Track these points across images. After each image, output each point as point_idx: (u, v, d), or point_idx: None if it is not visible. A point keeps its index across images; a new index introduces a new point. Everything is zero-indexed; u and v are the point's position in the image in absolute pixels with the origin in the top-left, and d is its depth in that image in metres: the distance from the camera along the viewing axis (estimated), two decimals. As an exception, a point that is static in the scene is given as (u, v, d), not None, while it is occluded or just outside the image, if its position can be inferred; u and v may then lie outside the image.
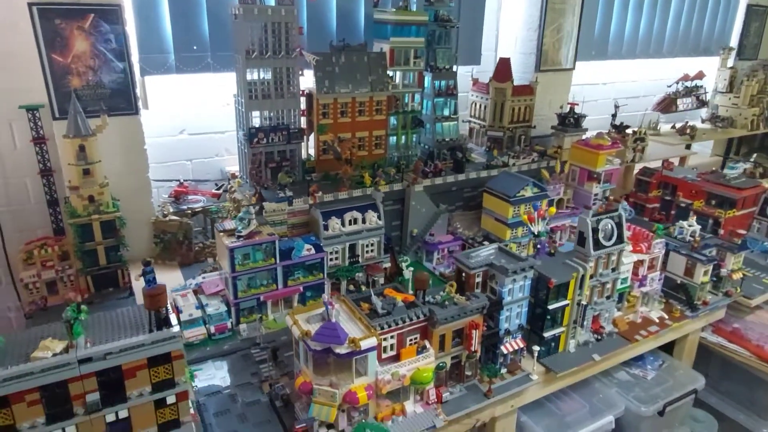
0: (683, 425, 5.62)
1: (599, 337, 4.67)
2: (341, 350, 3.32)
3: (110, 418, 2.60)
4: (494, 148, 7.06)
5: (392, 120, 6.33)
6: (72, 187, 5.04)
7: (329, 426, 3.59)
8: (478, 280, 4.08)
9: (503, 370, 4.19)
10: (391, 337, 3.66)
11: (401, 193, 5.95)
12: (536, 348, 4.16)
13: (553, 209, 4.88)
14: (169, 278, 5.43)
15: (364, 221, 5.19)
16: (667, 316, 5.13)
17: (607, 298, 4.71)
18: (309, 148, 6.20)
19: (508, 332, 4.12)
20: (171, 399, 2.73)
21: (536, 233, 4.46)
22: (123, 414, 2.64)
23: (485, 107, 7.39)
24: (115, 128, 5.37)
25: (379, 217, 5.27)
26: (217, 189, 6.32)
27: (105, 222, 5.13)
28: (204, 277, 5.06)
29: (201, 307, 4.64)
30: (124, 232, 5.27)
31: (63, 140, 4.96)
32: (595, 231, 4.37)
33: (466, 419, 3.98)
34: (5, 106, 5.30)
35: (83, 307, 2.76)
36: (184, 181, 6.28)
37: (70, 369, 2.44)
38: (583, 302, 4.40)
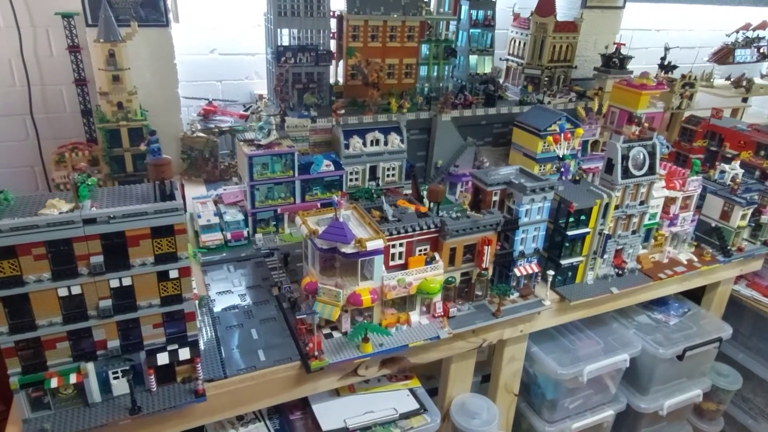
0: (704, 376, 5.44)
1: (620, 272, 4.51)
2: (347, 249, 3.31)
3: (114, 284, 2.66)
4: (530, 85, 6.77)
5: (424, 49, 6.13)
6: (102, 93, 5.12)
7: (333, 327, 3.62)
8: (495, 198, 3.96)
9: (515, 294, 4.10)
10: (400, 244, 3.61)
11: (427, 122, 5.81)
12: (551, 273, 4.05)
13: (580, 130, 4.65)
14: (195, 193, 5.52)
15: (386, 143, 5.10)
16: (696, 259, 4.89)
17: (633, 233, 4.51)
18: (338, 75, 6.10)
19: (522, 255, 4.01)
20: (174, 273, 2.78)
21: (561, 156, 4.27)
22: (127, 281, 2.69)
23: (524, 44, 7.07)
24: (145, 40, 5.39)
25: (402, 141, 5.17)
26: (245, 110, 6.32)
27: (133, 129, 5.21)
28: (225, 189, 5.12)
29: (219, 215, 4.69)
30: (152, 145, 5.34)
31: (93, 45, 5.01)
32: (625, 158, 4.15)
33: (472, 336, 3.94)
34: (42, 12, 5.40)
35: (93, 178, 2.82)
36: (213, 100, 6.30)
37: (74, 227, 2.49)
38: (606, 232, 4.22)
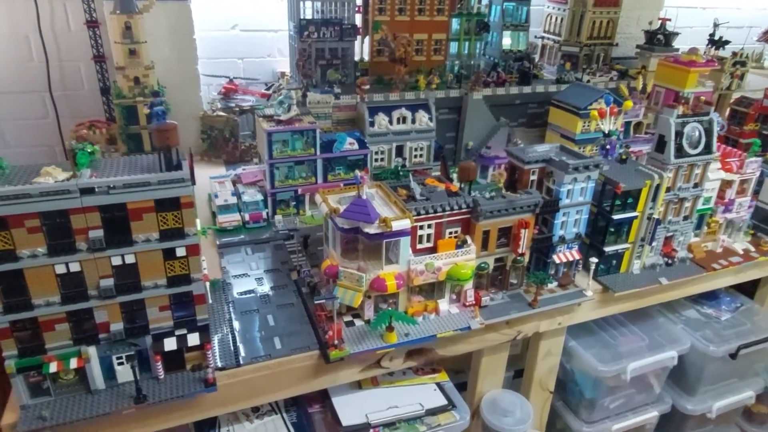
0: (758, 376, 5.00)
1: (670, 261, 4.11)
2: (371, 230, 3.01)
3: (116, 261, 2.43)
4: (567, 62, 6.34)
5: (454, 24, 5.76)
6: (118, 67, 4.93)
7: (354, 314, 3.34)
8: (533, 177, 3.61)
9: (553, 283, 3.76)
10: (428, 225, 3.31)
11: (458, 101, 5.46)
12: (594, 261, 3.69)
13: (630, 103, 4.23)
14: (215, 174, 5.31)
15: (413, 121, 4.78)
16: (753, 249, 4.45)
17: (685, 218, 4.11)
18: (363, 53, 5.79)
19: (562, 240, 3.66)
20: (181, 251, 2.53)
21: (606, 132, 3.89)
22: (130, 259, 2.46)
23: (562, 20, 6.63)
24: (163, 13, 5.18)
25: (430, 119, 4.85)
26: (267, 89, 6.06)
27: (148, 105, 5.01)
28: (244, 169, 4.88)
29: (237, 195, 4.46)
30: (171, 124, 5.14)
31: (110, 17, 4.81)
32: (679, 135, 3.75)
33: (505, 328, 3.62)
34: (59, -15, 5.22)
35: (96, 147, 2.59)
36: (234, 78, 6.07)
37: (71, 198, 2.27)
38: (655, 217, 3.84)
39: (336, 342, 3.06)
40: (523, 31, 6.17)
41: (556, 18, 6.72)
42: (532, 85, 5.74)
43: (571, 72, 6.01)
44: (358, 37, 5.51)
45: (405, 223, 3.06)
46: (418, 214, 3.22)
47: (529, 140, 5.79)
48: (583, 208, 3.65)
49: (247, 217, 4.33)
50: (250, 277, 3.79)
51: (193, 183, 2.57)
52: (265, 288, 3.66)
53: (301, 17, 5.18)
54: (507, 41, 6.20)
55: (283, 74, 5.85)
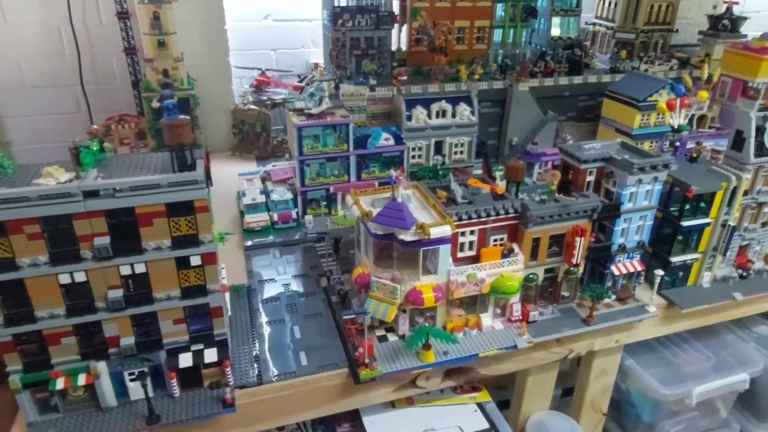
0: (839, 402, 4.45)
1: (744, 274, 3.64)
2: (406, 237, 2.70)
3: (125, 270, 2.21)
4: (623, 50, 5.84)
5: (499, 9, 5.35)
6: (147, 59, 4.76)
7: (388, 328, 3.04)
8: (590, 178, 3.22)
9: (611, 297, 3.36)
10: (471, 232, 2.97)
11: (501, 93, 5.06)
12: (659, 273, 3.27)
13: (705, 93, 3.78)
14: (245, 171, 5.10)
15: (454, 115, 4.42)
16: (841, 260, 3.91)
17: (762, 225, 3.63)
18: (401, 42, 5.46)
19: (623, 249, 3.25)
20: (195, 260, 2.28)
21: (676, 127, 3.45)
22: (140, 268, 2.23)
23: (616, 4, 6.12)
24: (193, 3, 4.99)
25: (472, 113, 4.48)
26: (300, 81, 5.81)
27: (179, 99, 4.82)
28: (274, 165, 4.64)
29: (266, 193, 4.22)
30: (202, 120, 4.97)
31: (138, 7, 4.64)
32: (760, 131, 3.27)
33: (556, 346, 3.25)
34: (89, -24, 5.09)
35: (105, 144, 2.37)
36: (267, 70, 5.84)
37: (73, 201, 2.05)
38: (731, 223, 3.38)
39: (367, 360, 2.76)
40: (573, 17, 5.71)
41: (610, 2, 6.21)
42: (584, 75, 5.28)
43: (626, 61, 5.52)
44: (396, 25, 5.17)
45: (445, 230, 2.73)
46: (460, 219, 2.88)
47: (580, 136, 5.34)
48: (648, 214, 3.23)
49: (275, 216, 4.09)
50: (277, 282, 3.55)
51: (210, 185, 2.31)
52: (293, 295, 3.41)
53: (335, 5, 4.89)
54: (556, 29, 5.75)
55: (316, 65, 5.59)
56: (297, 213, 4.16)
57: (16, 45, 5.12)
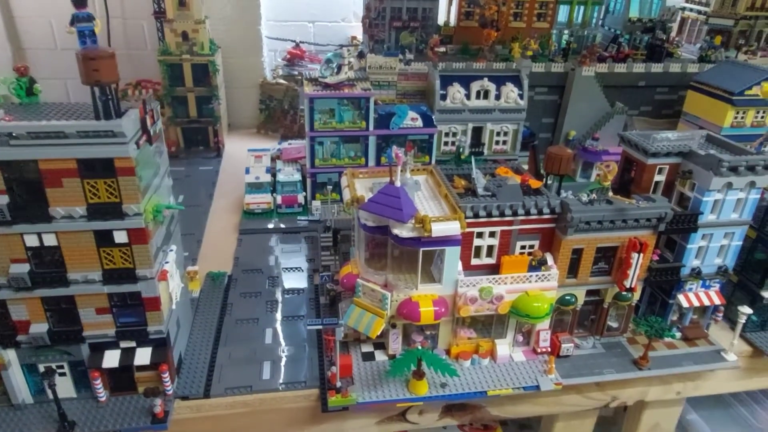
0: None
1: None
2: (402, 231, 2.09)
3: (31, 241, 1.72)
4: (718, 36, 4.90)
5: (568, -17, 4.59)
6: (167, 20, 4.40)
7: (379, 343, 2.44)
8: (659, 178, 2.47)
9: (675, 334, 2.59)
10: (491, 233, 2.31)
11: (561, 78, 4.30)
12: (745, 311, 2.47)
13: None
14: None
15: (498, 97, 3.74)
16: None
17: None
18: (450, 15, 4.81)
19: (697, 274, 2.49)
20: (120, 236, 1.80)
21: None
22: (49, 240, 1.76)
23: (713, -15, 5.16)
24: (224, -37, 4.57)
25: (521, 96, 3.78)
26: (336, 57, 5.28)
27: (197, 65, 4.45)
28: (290, 143, 4.14)
29: (273, 173, 3.72)
30: (228, 93, 4.58)
31: (160, -38, 4.27)
32: None
33: (595, 390, 2.53)
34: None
35: (36, 86, 1.92)
36: (301, 43, 5.35)
37: (-45, 145, 1.55)
38: None
39: (339, 384, 2.18)
40: (657, -3, 4.83)
41: (706, -17, 5.26)
42: (665, 64, 4.42)
43: (720, 49, 4.60)
44: (444, -4, 4.54)
45: (452, 227, 2.10)
46: (476, 215, 2.24)
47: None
48: (737, 231, 2.45)
49: (279, 199, 3.58)
50: (263, 273, 3.04)
51: (151, 143, 1.80)
52: (277, 290, 2.88)
53: (375, -30, 4.31)
54: (634, 10, 4.90)
55: (353, 38, 5.04)
56: (305, 197, 3.64)
57: (49, 6, 4.92)
